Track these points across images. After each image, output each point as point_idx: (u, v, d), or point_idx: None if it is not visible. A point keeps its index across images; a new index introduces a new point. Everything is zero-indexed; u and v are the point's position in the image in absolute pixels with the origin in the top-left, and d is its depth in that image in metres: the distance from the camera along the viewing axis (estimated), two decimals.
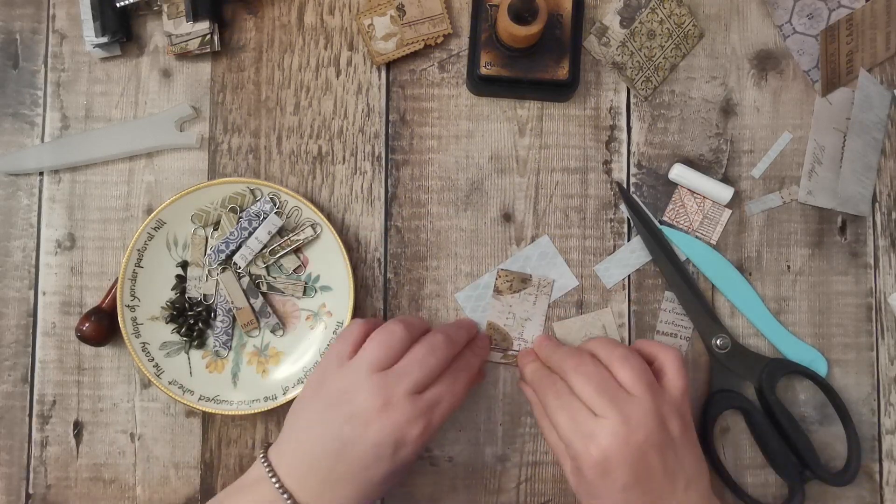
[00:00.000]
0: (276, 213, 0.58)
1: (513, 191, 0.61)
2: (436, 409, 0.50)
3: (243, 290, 0.59)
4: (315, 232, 0.59)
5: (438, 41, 0.61)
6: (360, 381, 0.49)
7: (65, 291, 0.61)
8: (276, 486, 0.49)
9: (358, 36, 0.62)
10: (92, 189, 0.61)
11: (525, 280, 0.60)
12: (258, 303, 0.59)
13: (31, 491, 0.60)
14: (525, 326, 0.60)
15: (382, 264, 0.61)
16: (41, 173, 0.61)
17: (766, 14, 0.63)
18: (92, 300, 0.60)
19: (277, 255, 0.59)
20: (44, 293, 0.61)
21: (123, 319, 0.57)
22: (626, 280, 0.61)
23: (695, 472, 0.50)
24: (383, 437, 0.48)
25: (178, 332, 0.59)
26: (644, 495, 0.48)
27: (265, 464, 0.50)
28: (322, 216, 0.58)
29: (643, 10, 0.62)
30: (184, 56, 0.61)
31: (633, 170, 0.62)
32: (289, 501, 0.48)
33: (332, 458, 0.49)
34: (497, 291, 0.60)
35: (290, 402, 0.58)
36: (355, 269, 0.60)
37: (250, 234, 0.58)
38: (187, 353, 0.59)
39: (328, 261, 0.59)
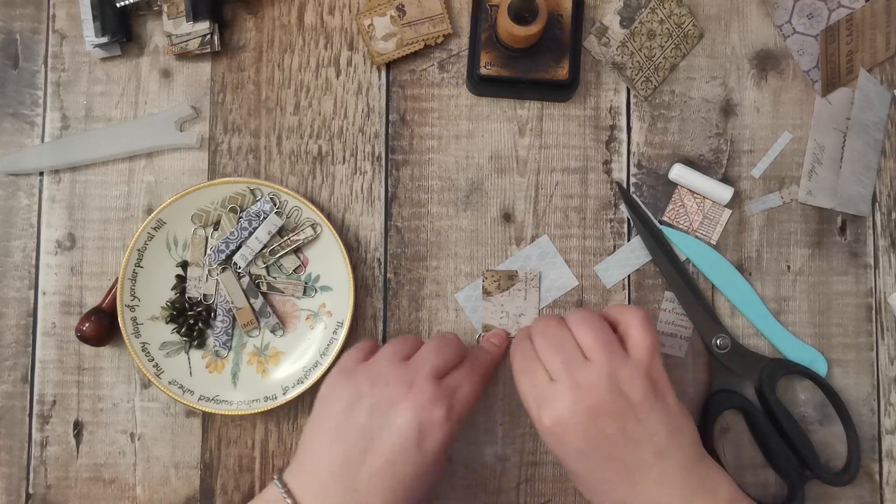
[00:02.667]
0: (276, 213, 0.58)
1: (513, 191, 0.61)
2: (457, 394, 0.49)
3: (243, 290, 0.59)
4: (315, 232, 0.59)
5: (438, 41, 0.61)
6: (380, 372, 0.49)
7: (65, 291, 0.61)
8: None
9: (358, 36, 0.62)
10: (92, 189, 0.61)
11: (512, 277, 0.60)
12: (258, 303, 0.59)
13: (31, 491, 0.60)
14: (520, 322, 0.60)
15: (382, 264, 0.61)
16: (41, 173, 0.61)
17: (766, 14, 0.63)
18: (92, 300, 0.60)
19: (277, 255, 0.59)
20: (44, 293, 0.61)
21: (123, 319, 0.57)
22: (626, 280, 0.61)
23: (666, 439, 0.47)
24: (408, 420, 0.47)
25: (178, 332, 0.59)
26: (604, 462, 0.47)
27: (279, 484, 0.48)
28: (322, 216, 0.58)
29: (643, 10, 0.62)
30: (184, 56, 0.61)
31: (633, 170, 0.62)
32: None
33: (355, 461, 0.47)
34: (486, 293, 0.60)
35: (289, 402, 0.58)
36: (355, 269, 0.60)
37: (250, 234, 0.58)
38: (187, 353, 0.59)
39: (328, 261, 0.59)
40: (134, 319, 0.57)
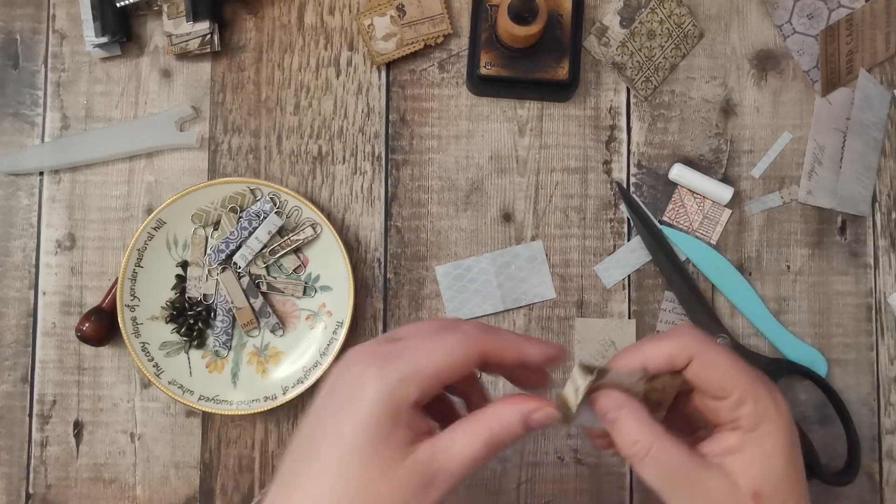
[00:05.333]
0: (276, 212, 0.58)
1: (513, 191, 0.61)
2: (398, 356, 0.37)
3: (243, 290, 0.59)
4: (315, 232, 0.59)
5: (438, 41, 0.61)
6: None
7: (65, 291, 0.61)
8: None
9: (358, 36, 0.62)
10: (92, 189, 0.61)
11: None
12: (258, 303, 0.59)
13: (31, 491, 0.60)
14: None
15: (382, 264, 0.61)
16: (41, 173, 0.61)
17: (766, 14, 0.63)
18: (92, 300, 0.60)
19: (277, 255, 0.59)
20: (44, 293, 0.61)
21: (123, 319, 0.57)
22: (626, 280, 0.61)
23: None
24: (336, 376, 0.38)
25: (178, 332, 0.59)
26: None
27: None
28: (322, 216, 0.58)
29: (643, 10, 0.62)
30: (184, 56, 0.61)
31: (633, 170, 0.62)
32: None
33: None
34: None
35: (289, 402, 0.58)
36: (355, 269, 0.60)
37: (250, 233, 0.58)
38: (187, 352, 0.59)
39: (328, 261, 0.59)
40: (134, 319, 0.57)
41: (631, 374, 0.39)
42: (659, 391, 0.40)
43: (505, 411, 0.38)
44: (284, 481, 0.38)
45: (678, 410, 0.41)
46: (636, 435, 0.38)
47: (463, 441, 0.37)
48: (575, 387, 0.38)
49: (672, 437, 0.38)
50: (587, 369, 0.38)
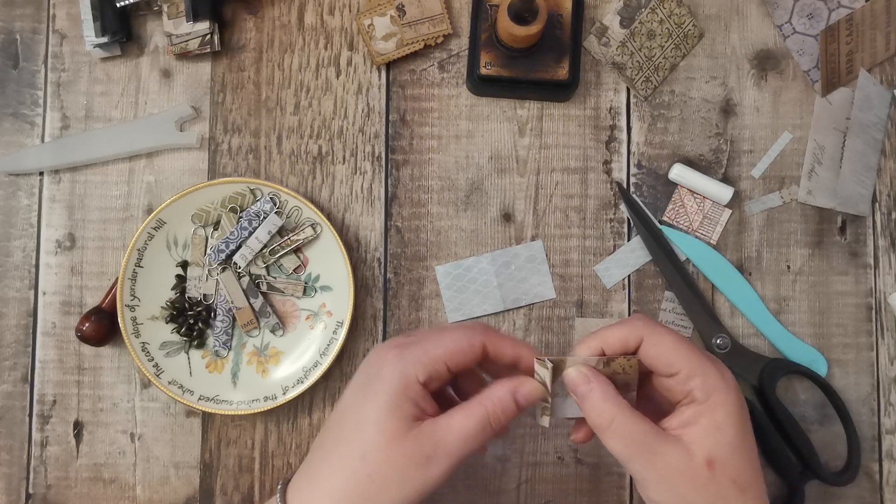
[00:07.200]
0: (276, 212, 0.58)
1: (513, 191, 0.61)
2: (413, 344, 0.44)
3: (243, 290, 0.59)
4: (315, 232, 0.59)
5: (438, 41, 0.61)
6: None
7: (65, 291, 0.61)
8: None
9: (358, 36, 0.62)
10: (92, 189, 0.61)
11: None
12: (258, 303, 0.59)
13: (31, 491, 0.60)
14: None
15: (382, 264, 0.61)
16: (41, 173, 0.61)
17: (766, 14, 0.63)
18: (92, 300, 0.60)
19: (277, 255, 0.59)
20: (44, 293, 0.61)
21: (123, 319, 0.57)
22: (626, 280, 0.61)
23: None
24: (362, 366, 0.45)
25: (178, 332, 0.59)
26: None
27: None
28: (322, 216, 0.58)
29: (643, 10, 0.62)
30: (184, 56, 0.61)
31: (633, 170, 0.62)
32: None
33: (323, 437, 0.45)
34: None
35: (289, 402, 0.58)
36: (355, 269, 0.60)
37: (250, 233, 0.58)
38: (187, 352, 0.59)
39: (328, 261, 0.59)
40: (134, 319, 0.57)
41: (588, 359, 0.44)
42: (621, 373, 0.44)
43: (496, 391, 0.44)
44: (316, 452, 0.44)
45: (644, 397, 0.46)
46: (601, 406, 0.42)
47: (460, 419, 0.43)
48: (540, 379, 0.44)
49: (634, 411, 0.42)
50: (542, 363, 0.44)
